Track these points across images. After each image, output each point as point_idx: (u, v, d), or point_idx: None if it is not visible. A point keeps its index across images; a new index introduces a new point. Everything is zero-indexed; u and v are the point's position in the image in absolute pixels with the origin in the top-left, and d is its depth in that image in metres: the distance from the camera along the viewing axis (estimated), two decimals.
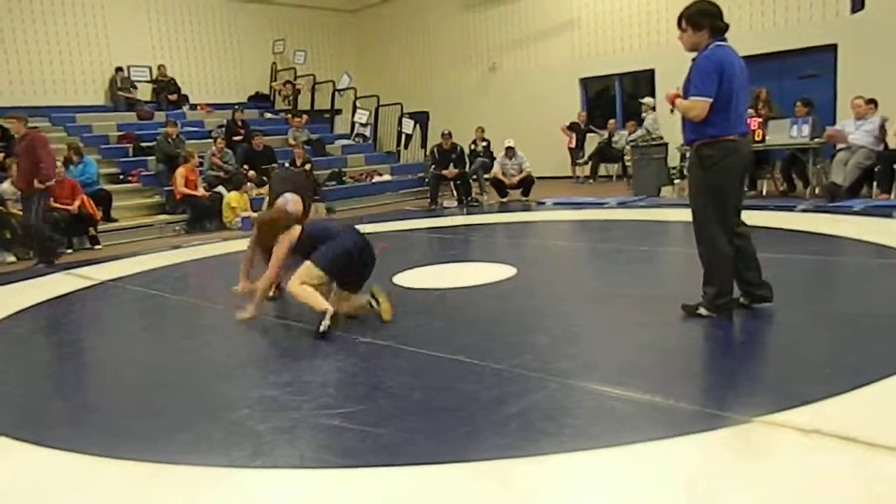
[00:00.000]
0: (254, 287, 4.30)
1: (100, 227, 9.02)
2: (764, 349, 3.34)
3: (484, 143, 12.84)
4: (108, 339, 4.61)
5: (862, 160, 8.13)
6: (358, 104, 14.59)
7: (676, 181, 10.69)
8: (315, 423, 2.72)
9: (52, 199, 8.48)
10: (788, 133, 8.89)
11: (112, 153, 11.40)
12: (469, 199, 11.07)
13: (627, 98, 14.23)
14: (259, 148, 11.29)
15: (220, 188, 10.13)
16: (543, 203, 10.30)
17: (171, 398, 3.20)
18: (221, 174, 10.43)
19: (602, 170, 13.34)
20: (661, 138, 10.78)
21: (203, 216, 9.83)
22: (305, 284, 3.92)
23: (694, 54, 3.63)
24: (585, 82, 14.46)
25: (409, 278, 5.26)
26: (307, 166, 10.67)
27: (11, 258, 7.93)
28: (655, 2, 12.59)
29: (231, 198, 9.90)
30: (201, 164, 10.45)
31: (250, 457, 2.45)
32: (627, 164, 12.03)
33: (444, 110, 14.58)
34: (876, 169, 8.15)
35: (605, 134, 13.21)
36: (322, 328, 3.79)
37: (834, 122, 9.76)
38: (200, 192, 9.91)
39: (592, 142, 13.43)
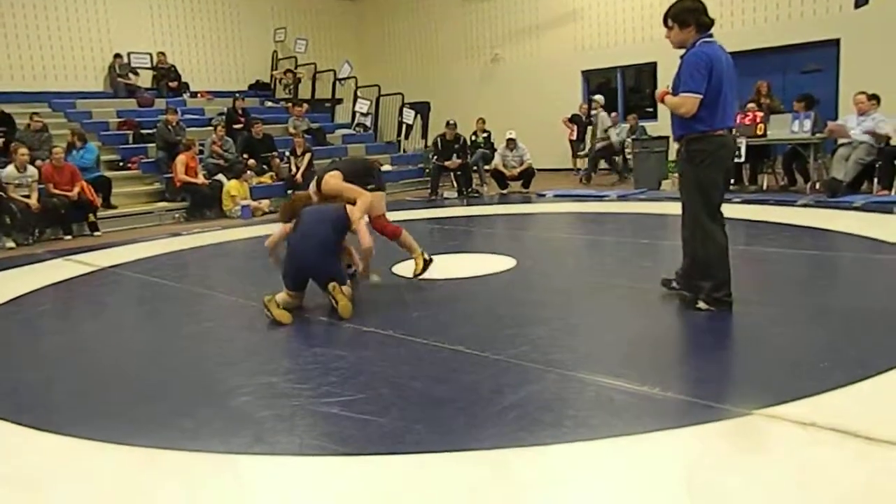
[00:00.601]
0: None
1: (99, 214, 9.00)
2: (763, 342, 3.35)
3: (485, 135, 12.80)
4: (108, 325, 4.62)
5: (863, 156, 8.12)
6: (359, 94, 14.55)
7: (673, 175, 10.70)
8: (315, 410, 2.73)
9: (51, 185, 8.51)
10: (790, 128, 8.88)
11: (112, 140, 11.37)
12: (469, 190, 11.06)
13: (629, 91, 14.21)
14: (259, 136, 11.26)
15: (220, 176, 10.11)
16: (544, 195, 10.30)
17: (172, 384, 3.21)
18: (221, 162, 10.41)
19: (602, 162, 13.31)
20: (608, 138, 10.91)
21: (203, 204, 9.83)
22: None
23: (682, 51, 3.68)
24: (587, 74, 14.42)
25: (408, 268, 5.25)
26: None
27: (11, 244, 7.92)
28: None
29: (231, 186, 9.88)
30: (201, 151, 10.43)
31: (250, 443, 2.46)
32: (628, 157, 12.03)
33: (446, 101, 14.54)
34: (877, 165, 8.14)
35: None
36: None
37: (836, 118, 9.75)
38: (200, 179, 9.90)
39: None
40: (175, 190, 9.97)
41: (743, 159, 8.94)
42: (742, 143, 8.76)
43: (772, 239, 5.87)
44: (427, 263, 4.83)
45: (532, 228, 8.05)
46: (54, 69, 13.03)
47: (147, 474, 2.31)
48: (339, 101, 15.52)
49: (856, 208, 7.28)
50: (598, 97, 12.17)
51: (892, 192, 7.96)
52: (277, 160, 11.15)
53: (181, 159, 9.77)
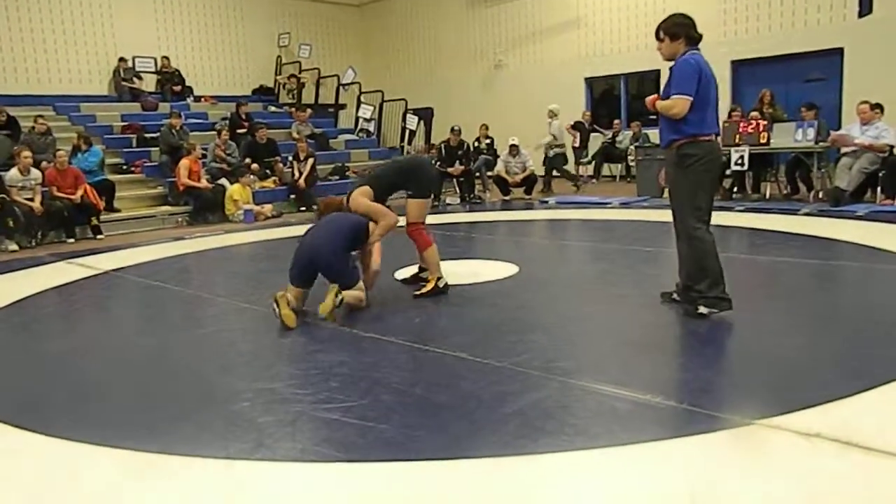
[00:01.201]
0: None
1: (102, 218, 9.02)
2: (765, 352, 3.34)
3: (487, 141, 12.81)
4: (110, 329, 4.62)
5: (867, 165, 8.12)
6: (362, 99, 14.58)
7: None
8: (316, 416, 2.73)
9: (54, 188, 8.52)
10: (793, 136, 8.88)
11: (116, 143, 11.40)
12: (472, 196, 11.06)
13: (632, 98, 14.22)
14: (262, 141, 11.28)
15: (223, 180, 10.13)
16: (546, 202, 10.30)
17: (173, 389, 3.21)
18: (225, 166, 10.43)
19: (605, 170, 13.34)
20: (563, 145, 10.92)
21: (205, 208, 9.84)
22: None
23: (671, 63, 3.83)
24: (591, 82, 14.44)
25: (410, 273, 5.24)
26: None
27: (14, 246, 7.94)
28: (662, 2, 12.57)
29: (234, 190, 9.90)
30: (204, 155, 10.44)
31: (251, 449, 2.45)
32: (631, 164, 12.04)
33: (449, 107, 14.57)
34: (880, 174, 8.14)
35: (609, 134, 13.20)
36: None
37: (839, 127, 9.75)
38: (203, 183, 9.91)
39: (596, 141, 13.43)
40: (178, 194, 9.98)
41: (746, 167, 8.94)
42: (745, 151, 8.77)
43: (774, 248, 5.86)
44: (438, 290, 4.64)
45: (534, 235, 8.05)
46: (59, 73, 13.08)
47: (147, 479, 2.30)
48: (343, 106, 15.56)
49: (859, 217, 7.27)
50: (554, 106, 12.19)
51: None
52: (280, 165, 11.17)
53: (184, 163, 9.79)
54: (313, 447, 2.47)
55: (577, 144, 13.46)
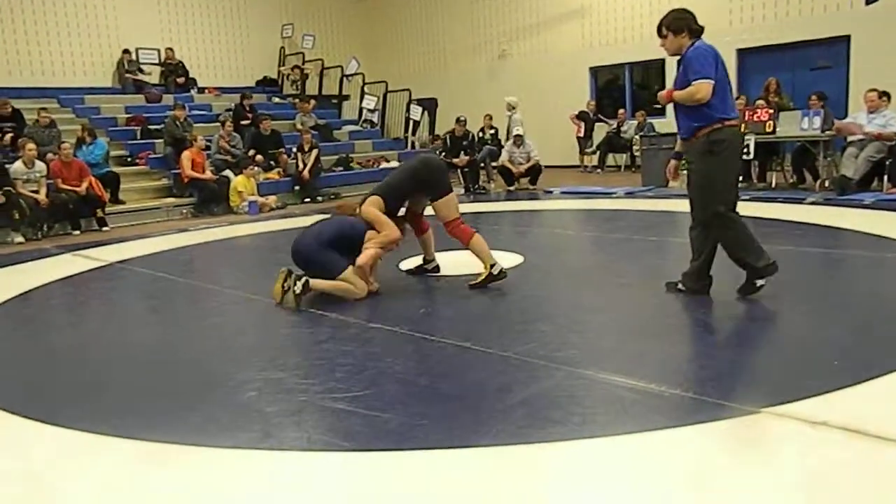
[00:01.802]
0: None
1: (107, 209, 9.03)
2: (772, 340, 3.33)
3: (492, 131, 12.79)
4: (116, 320, 4.63)
5: (873, 153, 8.07)
6: (366, 90, 14.54)
7: (683, 171, 10.65)
8: (322, 406, 2.73)
9: (59, 180, 8.54)
10: (799, 125, 8.83)
11: (120, 135, 11.40)
12: (476, 186, 11.04)
13: (637, 88, 14.17)
14: (266, 132, 11.27)
15: (228, 172, 10.13)
16: (551, 192, 10.28)
17: (179, 379, 3.22)
18: (229, 158, 10.43)
19: (610, 159, 13.30)
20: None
21: (210, 200, 9.84)
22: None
23: (677, 58, 3.86)
24: (595, 71, 14.38)
25: (415, 265, 5.25)
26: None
27: (20, 238, 7.96)
28: None
29: (238, 182, 9.90)
30: (208, 147, 10.44)
31: (258, 438, 2.46)
32: (636, 154, 12.01)
33: (453, 97, 14.53)
34: (887, 162, 8.09)
35: (614, 124, 13.16)
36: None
37: (846, 115, 9.69)
38: (208, 174, 9.91)
39: (601, 131, 13.39)
40: (182, 186, 9.99)
41: (752, 156, 8.89)
42: (751, 140, 8.72)
43: (780, 237, 5.84)
44: (493, 278, 4.47)
45: (539, 225, 8.03)
46: (63, 65, 13.07)
47: (154, 469, 2.32)
48: (347, 97, 15.52)
49: (865, 206, 7.23)
50: (512, 98, 12.16)
51: None
52: (285, 156, 11.17)
53: (186, 155, 9.78)
54: (319, 436, 2.48)
55: (581, 134, 13.44)
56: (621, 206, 8.39)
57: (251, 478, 2.24)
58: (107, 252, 6.93)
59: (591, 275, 5.16)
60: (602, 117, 13.62)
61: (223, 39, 15.27)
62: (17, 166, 8.33)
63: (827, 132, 8.60)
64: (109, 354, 3.74)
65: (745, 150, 8.71)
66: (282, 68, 15.74)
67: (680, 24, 3.81)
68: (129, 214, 9.41)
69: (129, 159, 10.88)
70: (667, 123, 12.34)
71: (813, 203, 7.68)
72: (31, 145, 8.46)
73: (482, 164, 11.32)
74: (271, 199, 10.05)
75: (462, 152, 10.88)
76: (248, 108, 12.11)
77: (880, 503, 1.91)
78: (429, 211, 4.76)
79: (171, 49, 14.01)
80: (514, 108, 11.96)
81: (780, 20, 11.62)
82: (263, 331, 3.99)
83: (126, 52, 13.45)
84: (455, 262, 5.15)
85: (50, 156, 8.84)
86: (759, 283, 3.84)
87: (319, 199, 10.68)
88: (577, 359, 3.09)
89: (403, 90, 14.14)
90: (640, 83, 14.24)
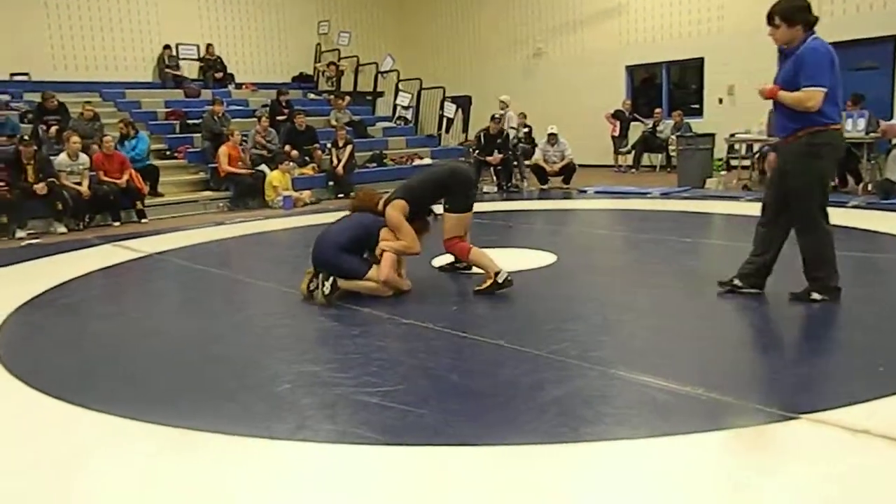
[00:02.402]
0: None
1: (147, 202, 9.22)
2: (814, 345, 3.27)
3: (525, 129, 12.74)
4: (154, 310, 4.73)
5: None
6: (400, 87, 14.58)
7: (723, 173, 10.49)
8: (356, 400, 2.76)
9: (101, 172, 8.75)
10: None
11: (160, 129, 11.61)
12: (509, 185, 11.01)
13: (674, 87, 13.98)
14: (301, 128, 11.38)
15: (263, 167, 10.25)
16: (585, 191, 10.21)
17: (216, 369, 3.27)
18: (265, 153, 10.55)
19: (645, 159, 13.15)
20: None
21: (246, 194, 9.97)
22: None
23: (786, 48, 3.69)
24: (631, 70, 14.22)
25: (447, 261, 5.25)
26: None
27: (62, 229, 8.17)
28: None
29: (273, 177, 10.01)
30: (244, 141, 10.57)
31: (293, 430, 2.50)
32: (672, 154, 11.86)
33: (487, 95, 14.46)
34: None
35: (650, 123, 13.01)
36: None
37: (892, 117, 9.44)
38: (244, 169, 10.04)
39: (636, 130, 13.25)
40: (219, 180, 10.14)
41: None
42: None
43: None
44: (498, 286, 4.32)
45: (572, 224, 7.98)
46: (105, 60, 13.38)
47: (193, 456, 2.37)
48: (381, 94, 15.59)
49: None
50: (505, 97, 12.03)
51: None
52: (319, 152, 11.26)
53: (223, 150, 9.93)
54: (353, 430, 2.50)
55: (616, 133, 13.31)
56: (656, 207, 8.29)
57: (286, 468, 2.27)
58: (145, 243, 7.07)
59: (625, 275, 5.11)
60: (638, 116, 13.47)
61: (261, 35, 15.46)
62: (61, 158, 8.54)
63: (871, 134, 8.39)
64: (148, 343, 3.82)
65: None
66: (317, 65, 15.88)
67: (795, 15, 3.61)
68: (167, 207, 9.58)
69: (167, 153, 11.08)
70: (704, 124, 12.20)
71: (855, 207, 7.49)
72: (76, 138, 8.67)
73: (515, 163, 11.28)
74: (305, 195, 10.14)
75: (496, 150, 10.85)
76: (284, 104, 12.23)
77: None
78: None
79: (211, 45, 14.24)
80: (507, 105, 11.89)
81: (824, 20, 11.27)
82: (297, 324, 4.03)
83: (167, 47, 13.71)
84: None
85: (94, 147, 9.05)
86: (817, 297, 3.74)
87: (353, 194, 10.73)
88: (611, 359, 3.07)
89: (438, 87, 14.15)
90: (677, 82, 14.05)
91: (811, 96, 3.51)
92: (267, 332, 3.89)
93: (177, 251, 6.57)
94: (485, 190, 10.89)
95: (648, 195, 9.34)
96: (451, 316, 4.01)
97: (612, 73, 14.10)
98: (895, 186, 7.84)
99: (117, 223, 8.69)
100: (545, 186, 10.83)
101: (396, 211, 4.39)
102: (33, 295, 4.87)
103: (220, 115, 10.94)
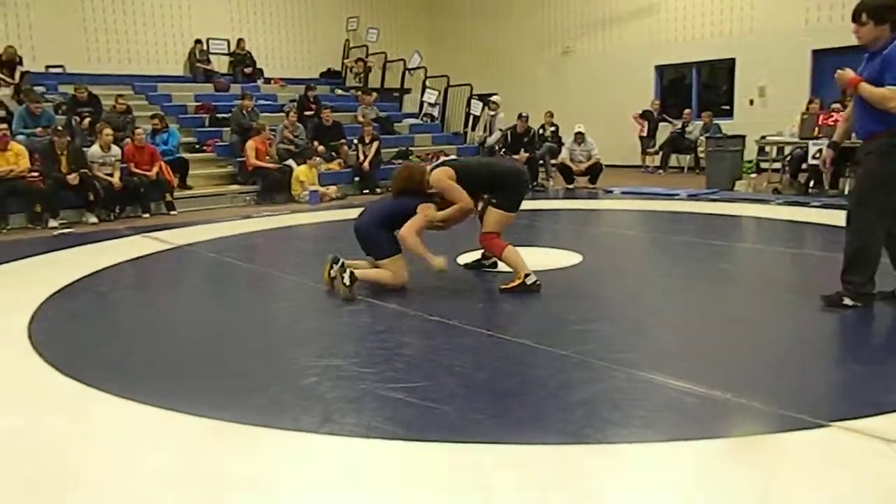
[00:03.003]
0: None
1: (176, 194, 9.33)
2: (846, 352, 3.21)
3: (552, 128, 12.68)
4: (183, 301, 4.79)
5: None
6: (427, 84, 14.59)
7: (753, 175, 10.35)
8: (381, 395, 2.77)
9: (132, 164, 8.88)
10: None
11: (189, 123, 11.76)
12: (535, 184, 10.96)
13: (704, 87, 13.82)
14: (328, 123, 11.44)
15: (290, 161, 10.33)
16: (611, 191, 10.13)
17: (244, 361, 3.30)
18: (292, 148, 10.63)
19: (673, 160, 13.02)
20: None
21: (273, 188, 10.05)
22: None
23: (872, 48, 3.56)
24: (661, 69, 14.08)
25: (472, 259, 5.25)
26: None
27: (94, 219, 8.31)
28: None
29: (300, 171, 10.08)
30: (272, 135, 10.66)
31: (319, 423, 2.52)
32: (701, 155, 11.73)
33: (514, 93, 14.45)
34: None
35: (679, 124, 12.88)
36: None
37: None
38: (271, 164, 10.13)
39: (664, 131, 13.12)
40: (247, 173, 10.24)
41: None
42: (824, 144, 8.40)
43: None
44: (525, 287, 4.29)
45: (599, 225, 7.93)
46: (138, 53, 13.58)
47: (220, 445, 2.39)
48: (408, 90, 15.61)
49: None
50: (496, 97, 11.92)
51: None
52: (345, 147, 11.31)
53: (251, 144, 10.01)
54: (378, 424, 2.51)
55: (644, 134, 13.20)
56: (684, 209, 8.19)
57: (311, 461, 2.29)
58: (174, 235, 7.16)
59: (652, 276, 5.07)
60: (666, 117, 13.34)
61: (290, 31, 15.58)
62: (93, 150, 8.69)
63: None
64: (178, 333, 3.87)
65: (818, 154, 8.42)
66: (346, 61, 15.95)
67: (885, 15, 3.50)
68: (196, 200, 9.69)
69: (197, 146, 11.22)
70: (733, 125, 12.05)
71: None
72: (108, 130, 8.80)
73: (541, 162, 11.22)
74: (331, 190, 10.20)
75: (522, 149, 10.81)
76: (311, 100, 12.31)
77: None
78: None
79: (242, 39, 14.37)
80: (497, 106, 11.82)
81: None
82: (323, 318, 4.06)
83: (198, 42, 13.87)
84: None
85: (126, 140, 9.19)
86: (849, 302, 3.66)
87: (378, 190, 10.79)
88: (639, 361, 3.04)
89: (465, 85, 14.13)
90: (707, 83, 13.88)
91: (895, 96, 3.41)
92: (293, 325, 3.92)
93: (205, 243, 6.64)
94: None
95: (676, 197, 9.25)
96: (477, 313, 4.01)
97: (641, 73, 13.99)
98: None
99: (147, 215, 8.82)
100: (571, 186, 10.77)
101: (446, 175, 4.37)
102: (66, 283, 4.96)
103: (249, 109, 11.04)
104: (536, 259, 5.30)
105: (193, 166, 10.31)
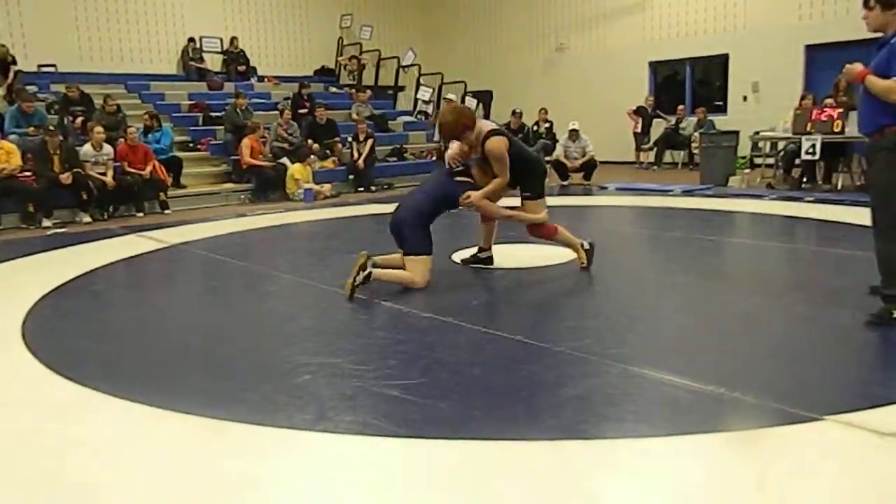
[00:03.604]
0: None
1: (169, 193, 9.31)
2: (839, 346, 3.22)
3: (546, 125, 12.69)
4: (177, 300, 4.78)
5: None
6: (422, 81, 14.59)
7: (746, 171, 10.37)
8: (376, 392, 2.77)
9: (126, 163, 8.85)
10: None
11: (183, 122, 11.72)
12: None
13: (698, 83, 13.84)
14: (322, 121, 11.42)
15: (285, 160, 10.31)
16: (605, 188, 10.14)
17: (237, 359, 3.30)
18: (286, 146, 10.61)
19: (667, 156, 13.04)
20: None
21: (267, 186, 10.04)
22: None
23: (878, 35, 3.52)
24: (655, 66, 14.10)
25: (468, 254, 5.25)
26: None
27: (87, 218, 8.28)
28: None
29: (294, 170, 10.06)
30: (267, 134, 10.63)
31: (313, 421, 2.51)
32: (695, 151, 11.75)
33: (508, 90, 14.46)
34: None
35: (673, 120, 12.90)
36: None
37: None
38: (265, 162, 10.10)
39: (659, 127, 13.14)
40: (241, 172, 10.22)
41: (817, 157, 8.60)
42: (817, 140, 8.44)
43: (846, 241, 5.64)
44: (589, 252, 4.79)
45: (593, 221, 7.93)
46: (130, 52, 13.53)
47: (214, 444, 2.39)
48: (402, 88, 15.60)
49: None
50: (470, 100, 12.01)
51: None
52: (340, 145, 11.30)
53: (246, 142, 10.00)
54: (373, 422, 2.51)
55: (638, 130, 13.22)
56: (678, 205, 8.21)
57: (307, 459, 2.29)
58: (169, 234, 7.14)
59: (647, 273, 5.08)
60: (660, 113, 13.35)
61: (283, 29, 15.54)
62: (86, 149, 8.65)
63: None
64: (171, 332, 3.86)
65: (811, 150, 8.45)
66: (339, 58, 15.92)
67: (892, 0, 3.39)
68: (190, 198, 9.67)
69: (190, 145, 11.18)
70: (727, 121, 12.08)
71: None
72: (100, 128, 8.77)
73: None
74: (326, 188, 10.19)
75: None
76: (305, 98, 12.28)
77: None
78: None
79: (235, 38, 14.33)
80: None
81: (851, 15, 11.13)
82: (318, 316, 4.05)
83: (191, 40, 13.83)
84: (509, 256, 5.14)
85: (120, 140, 9.16)
86: None
87: (373, 188, 10.79)
88: (632, 356, 3.04)
89: (459, 82, 14.13)
90: (701, 79, 13.91)
91: None
92: (287, 323, 3.92)
93: (199, 242, 6.62)
94: None
95: (670, 192, 9.26)
96: (471, 310, 4.01)
97: (635, 69, 14.00)
98: None
99: (141, 214, 8.79)
100: (566, 182, 10.78)
101: (503, 144, 4.30)
102: (60, 283, 4.94)
103: (242, 107, 11.01)
104: (531, 255, 5.32)
105: (187, 165, 10.29)
